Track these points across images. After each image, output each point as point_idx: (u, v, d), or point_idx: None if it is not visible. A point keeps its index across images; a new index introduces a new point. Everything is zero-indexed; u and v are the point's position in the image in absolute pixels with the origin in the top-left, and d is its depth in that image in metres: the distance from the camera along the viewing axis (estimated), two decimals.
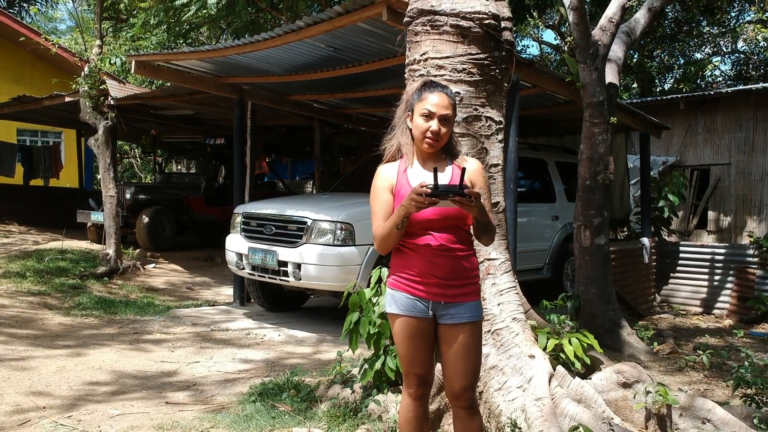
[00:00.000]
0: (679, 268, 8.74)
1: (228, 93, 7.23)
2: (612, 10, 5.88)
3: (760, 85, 9.95)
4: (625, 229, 9.62)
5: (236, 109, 7.30)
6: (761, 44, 16.86)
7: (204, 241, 12.05)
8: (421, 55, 3.59)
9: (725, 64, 18.75)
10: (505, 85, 3.76)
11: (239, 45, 5.64)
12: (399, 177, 2.42)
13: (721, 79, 18.71)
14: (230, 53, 5.82)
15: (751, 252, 8.19)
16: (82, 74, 8.88)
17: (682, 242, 9.15)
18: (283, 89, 7.66)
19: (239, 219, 6.43)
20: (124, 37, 15.06)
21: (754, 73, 17.21)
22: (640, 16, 6.81)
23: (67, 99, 9.75)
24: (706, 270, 8.50)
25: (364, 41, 5.48)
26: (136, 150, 21.17)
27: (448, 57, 3.52)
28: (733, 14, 17.18)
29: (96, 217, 10.26)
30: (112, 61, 12.12)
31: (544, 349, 3.61)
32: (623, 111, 7.51)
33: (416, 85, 2.47)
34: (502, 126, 3.72)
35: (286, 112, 8.72)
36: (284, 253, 5.76)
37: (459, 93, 3.47)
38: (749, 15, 16.81)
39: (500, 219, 3.66)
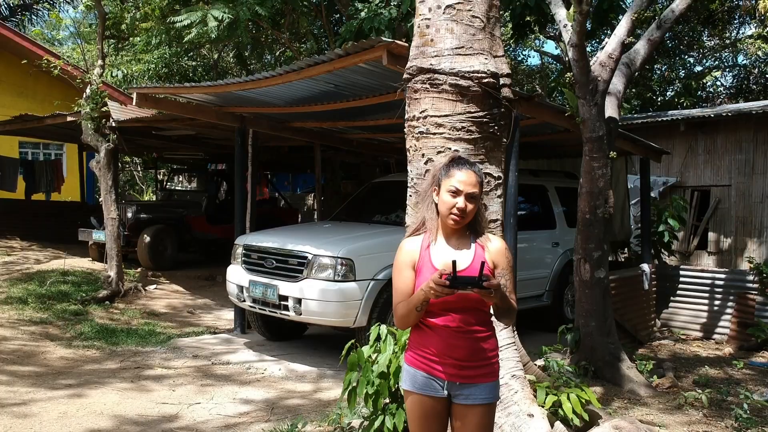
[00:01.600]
0: (679, 292, 8.74)
1: (230, 122, 7.26)
2: (612, 46, 5.89)
3: (760, 105, 9.94)
4: (626, 250, 9.63)
5: (237, 137, 7.33)
6: (761, 58, 16.86)
7: (206, 258, 12.09)
8: (420, 113, 3.62)
9: (725, 77, 18.78)
10: (504, 140, 3.78)
11: (241, 82, 5.67)
12: (422, 253, 2.42)
13: (722, 89, 18.71)
14: (232, 89, 5.85)
15: (751, 278, 8.20)
16: (84, 96, 8.91)
17: (682, 266, 9.15)
18: (284, 118, 7.69)
19: (240, 251, 6.45)
20: (126, 49, 15.10)
21: (754, 87, 17.23)
22: (640, 47, 6.80)
23: (69, 118, 9.79)
24: (707, 295, 8.50)
25: (364, 80, 5.51)
26: (138, 163, 21.24)
27: (447, 115, 3.55)
28: (733, 27, 17.20)
29: (98, 236, 10.29)
30: (113, 74, 12.06)
31: (543, 404, 3.63)
32: (623, 139, 7.51)
33: (444, 161, 2.49)
34: (500, 181, 3.74)
35: (288, 136, 8.75)
36: (285, 287, 5.79)
37: (458, 150, 3.50)
38: (750, 28, 16.83)
39: None
